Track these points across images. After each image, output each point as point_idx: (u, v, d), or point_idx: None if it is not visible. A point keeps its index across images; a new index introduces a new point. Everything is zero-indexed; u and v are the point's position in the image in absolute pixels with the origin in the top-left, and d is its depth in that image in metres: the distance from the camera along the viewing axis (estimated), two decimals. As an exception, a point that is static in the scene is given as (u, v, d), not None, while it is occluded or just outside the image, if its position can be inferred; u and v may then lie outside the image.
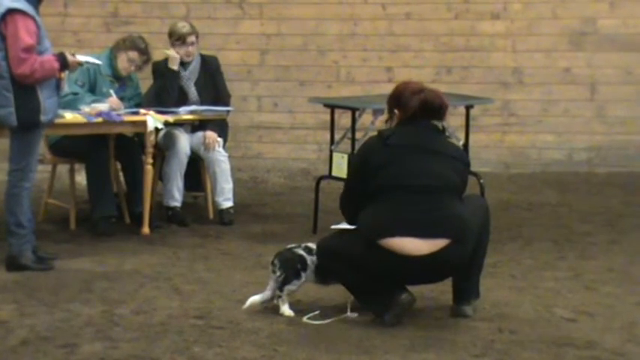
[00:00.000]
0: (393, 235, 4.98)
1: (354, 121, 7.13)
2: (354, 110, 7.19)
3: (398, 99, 5.20)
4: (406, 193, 5.02)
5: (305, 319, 5.13)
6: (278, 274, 5.21)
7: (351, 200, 5.23)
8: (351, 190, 5.24)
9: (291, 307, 5.22)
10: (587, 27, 8.87)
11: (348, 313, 5.19)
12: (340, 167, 6.99)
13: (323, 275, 5.25)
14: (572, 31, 8.91)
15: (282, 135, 9.32)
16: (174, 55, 7.59)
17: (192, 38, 7.62)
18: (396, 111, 5.20)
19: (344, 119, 7.42)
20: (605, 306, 5.43)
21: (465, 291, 5.25)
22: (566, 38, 8.93)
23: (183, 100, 7.61)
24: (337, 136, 7.23)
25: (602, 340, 4.87)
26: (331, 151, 7.19)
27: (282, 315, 5.17)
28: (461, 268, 5.13)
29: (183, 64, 7.65)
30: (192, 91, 7.68)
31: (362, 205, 5.12)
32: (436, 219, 5.00)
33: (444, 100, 5.19)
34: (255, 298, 5.29)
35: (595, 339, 4.88)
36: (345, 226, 5.22)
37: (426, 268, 5.02)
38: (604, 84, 8.84)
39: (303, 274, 5.22)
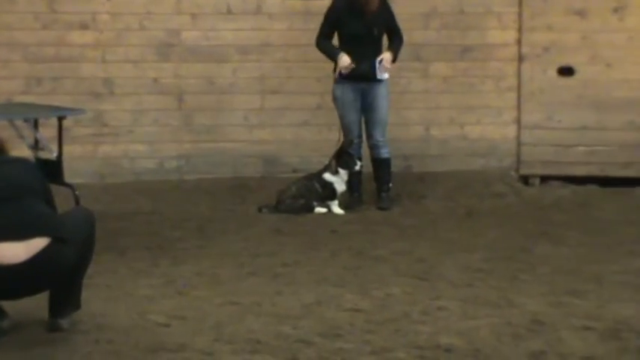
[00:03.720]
0: None
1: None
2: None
3: None
4: None
5: None
6: None
7: None
8: None
9: None
10: (172, 39, 9.24)
11: None
12: None
13: None
14: (159, 42, 9.24)
15: None
16: None
17: None
18: None
19: None
20: (195, 309, 5.76)
21: (62, 303, 5.31)
22: (153, 49, 9.24)
23: None
24: None
25: (192, 342, 5.19)
26: None
27: None
28: (66, 270, 5.12)
29: None
30: None
31: None
32: (27, 219, 5.01)
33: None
34: None
35: (186, 341, 5.19)
36: None
37: (29, 275, 4.97)
38: (190, 94, 9.26)
39: None
